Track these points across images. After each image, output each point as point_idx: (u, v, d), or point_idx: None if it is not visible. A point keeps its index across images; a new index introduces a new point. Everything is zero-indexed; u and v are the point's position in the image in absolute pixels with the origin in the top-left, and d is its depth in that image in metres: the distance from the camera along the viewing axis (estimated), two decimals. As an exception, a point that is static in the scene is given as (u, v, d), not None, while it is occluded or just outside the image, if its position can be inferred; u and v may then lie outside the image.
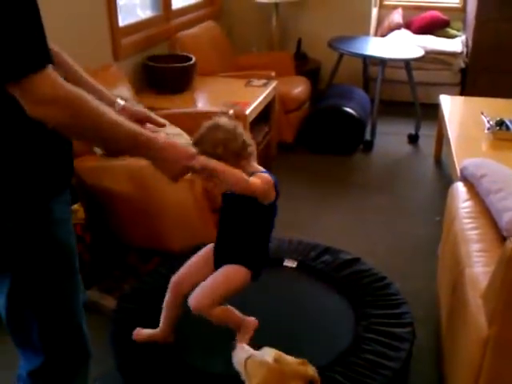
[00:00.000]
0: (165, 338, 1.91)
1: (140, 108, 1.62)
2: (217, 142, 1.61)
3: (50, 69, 1.09)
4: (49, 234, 1.30)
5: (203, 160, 1.46)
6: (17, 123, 1.17)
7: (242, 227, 1.76)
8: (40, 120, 1.11)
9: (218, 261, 1.80)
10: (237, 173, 1.54)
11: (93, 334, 1.54)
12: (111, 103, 1.46)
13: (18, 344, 1.43)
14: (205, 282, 1.74)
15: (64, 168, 1.32)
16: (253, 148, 1.70)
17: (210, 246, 1.87)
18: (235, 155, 1.63)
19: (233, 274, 1.75)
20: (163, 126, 1.58)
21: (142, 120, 1.51)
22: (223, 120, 1.68)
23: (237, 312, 1.80)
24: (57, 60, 1.28)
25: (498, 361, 1.51)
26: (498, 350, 1.50)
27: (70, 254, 1.39)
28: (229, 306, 1.79)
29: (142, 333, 1.93)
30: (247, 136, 1.69)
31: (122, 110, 1.48)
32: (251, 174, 1.64)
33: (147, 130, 1.37)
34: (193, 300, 1.74)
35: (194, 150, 1.47)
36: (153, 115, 1.58)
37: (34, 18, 1.06)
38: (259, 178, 1.64)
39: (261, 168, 1.73)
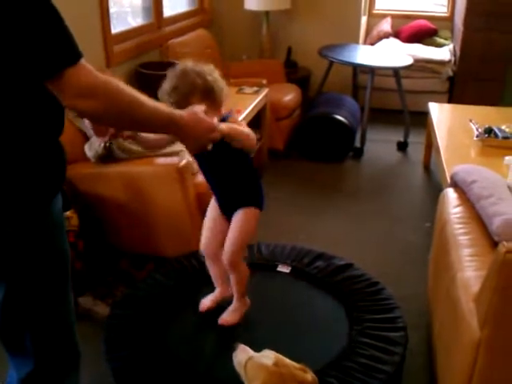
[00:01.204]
0: (224, 295, 2.02)
1: None
2: (192, 89, 1.68)
3: (83, 62, 1.12)
4: (47, 237, 1.31)
5: (223, 129, 1.55)
6: (17, 126, 1.17)
7: (232, 174, 1.83)
8: (84, 114, 1.16)
9: (227, 212, 1.89)
10: (245, 129, 1.65)
11: (85, 340, 1.54)
12: None
13: (10, 351, 1.43)
14: (230, 235, 1.84)
15: (60, 170, 1.33)
16: (227, 90, 1.75)
17: (213, 202, 1.94)
18: (212, 101, 1.68)
19: (246, 218, 1.84)
20: None
21: None
22: (189, 64, 1.73)
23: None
24: None
25: (489, 364, 1.54)
26: (490, 352, 1.53)
27: (66, 259, 1.40)
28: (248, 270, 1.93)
29: (206, 303, 2.03)
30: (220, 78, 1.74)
31: None
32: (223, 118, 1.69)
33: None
34: (226, 255, 1.85)
35: (215, 122, 1.52)
36: None
37: (59, 17, 1.11)
38: (237, 120, 1.73)
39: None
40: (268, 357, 1.48)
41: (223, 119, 1.68)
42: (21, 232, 1.25)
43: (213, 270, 2.02)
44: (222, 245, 1.90)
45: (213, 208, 1.95)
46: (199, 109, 1.48)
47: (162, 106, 1.36)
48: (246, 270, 1.93)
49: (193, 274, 2.30)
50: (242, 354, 1.52)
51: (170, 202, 2.53)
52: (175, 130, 1.40)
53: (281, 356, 1.50)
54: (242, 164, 1.82)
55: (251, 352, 1.53)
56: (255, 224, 1.87)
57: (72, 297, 1.47)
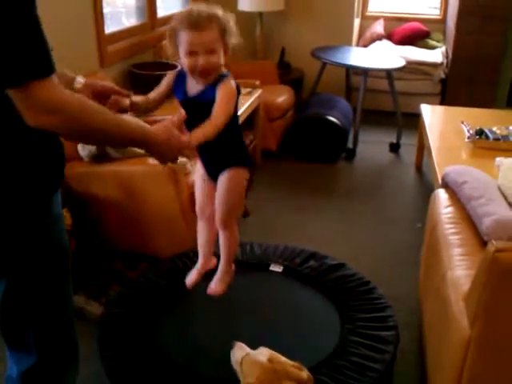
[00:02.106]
0: (208, 264, 1.96)
1: (103, 82, 1.64)
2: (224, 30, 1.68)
3: (53, 78, 1.09)
4: (47, 232, 1.32)
5: (194, 142, 1.48)
6: (16, 123, 1.15)
7: (218, 138, 1.71)
8: (41, 128, 1.11)
9: (215, 174, 1.80)
10: (215, 124, 1.54)
11: (80, 339, 1.55)
12: (71, 82, 1.48)
13: (11, 345, 1.44)
14: (219, 197, 1.77)
15: (61, 164, 1.34)
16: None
17: (200, 169, 1.87)
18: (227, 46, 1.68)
19: (234, 177, 1.76)
20: (128, 96, 1.60)
21: (107, 92, 1.55)
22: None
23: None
24: None
25: (479, 361, 1.56)
26: (480, 350, 1.55)
27: (66, 253, 1.42)
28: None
29: (191, 278, 1.97)
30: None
31: (85, 87, 1.50)
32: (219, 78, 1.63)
33: (146, 123, 1.40)
34: (217, 217, 1.79)
35: (186, 138, 1.47)
36: (117, 87, 1.61)
37: (37, 28, 1.07)
38: (225, 92, 1.62)
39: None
40: (263, 354, 1.49)
41: (219, 78, 1.63)
42: (22, 228, 1.26)
43: (202, 236, 1.93)
44: (211, 205, 1.84)
45: (200, 175, 1.87)
46: (173, 123, 1.45)
47: (134, 122, 1.33)
48: (237, 234, 1.86)
49: (186, 273, 2.31)
50: (239, 352, 1.53)
51: (163, 201, 2.54)
52: (146, 145, 1.37)
53: (276, 353, 1.51)
54: (229, 125, 1.70)
55: (248, 349, 1.54)
56: (244, 183, 1.80)
57: (72, 292, 1.48)
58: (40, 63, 1.07)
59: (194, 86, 1.63)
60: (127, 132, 1.30)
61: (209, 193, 1.84)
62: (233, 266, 1.95)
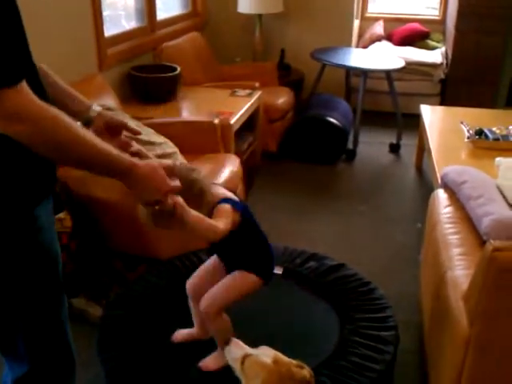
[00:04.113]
0: (202, 335, 1.94)
1: (116, 115, 1.59)
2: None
3: (23, 86, 1.06)
4: (34, 241, 1.29)
5: (178, 203, 1.39)
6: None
7: (231, 249, 1.75)
8: (9, 135, 1.07)
9: (229, 268, 1.80)
10: (205, 226, 1.50)
11: (80, 341, 1.55)
12: (87, 109, 1.45)
13: (4, 352, 1.43)
14: (217, 287, 1.75)
15: (47, 175, 1.30)
16: (207, 182, 1.61)
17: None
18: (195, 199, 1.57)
19: (241, 281, 1.75)
20: (138, 133, 1.56)
21: (117, 127, 1.49)
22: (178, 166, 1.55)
23: (231, 330, 1.81)
24: (46, 81, 1.29)
25: (479, 359, 1.56)
26: (479, 349, 1.55)
27: (55, 262, 1.38)
28: (228, 321, 1.81)
29: (180, 333, 1.97)
30: (202, 177, 1.60)
31: (99, 116, 1.46)
32: (213, 206, 1.60)
33: (127, 154, 1.31)
34: (204, 303, 1.76)
35: (173, 184, 1.38)
36: (129, 123, 1.55)
37: (11, 33, 1.04)
38: (221, 214, 1.58)
39: (221, 192, 1.66)
40: (267, 355, 1.48)
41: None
42: (5, 236, 1.23)
43: (193, 311, 1.93)
44: (206, 288, 1.80)
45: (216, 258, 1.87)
46: (162, 165, 1.34)
47: (115, 150, 1.23)
48: (224, 322, 1.79)
49: (186, 274, 2.30)
50: (237, 349, 1.53)
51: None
52: (127, 177, 1.26)
53: (279, 353, 1.50)
54: (241, 240, 1.71)
55: (246, 347, 1.53)
56: (250, 291, 1.77)
57: (65, 301, 1.45)
58: (8, 70, 1.04)
59: None
60: (107, 157, 1.21)
61: (209, 270, 1.84)
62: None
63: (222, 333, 1.80)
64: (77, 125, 1.17)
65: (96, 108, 1.49)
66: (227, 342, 1.67)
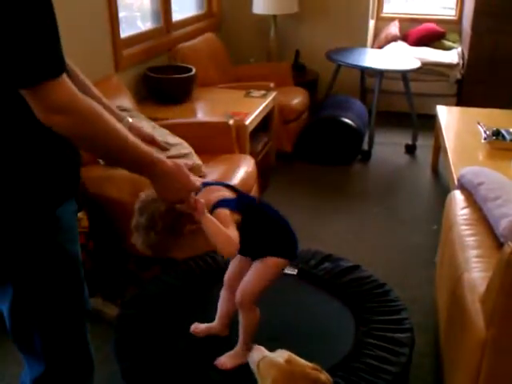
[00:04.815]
0: (221, 331, 1.96)
1: (146, 130, 1.64)
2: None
3: (64, 78, 1.09)
4: (55, 242, 1.31)
5: (200, 204, 1.44)
6: (26, 131, 1.18)
7: (246, 245, 1.70)
8: (52, 128, 1.11)
9: (253, 258, 1.81)
10: (222, 238, 1.50)
11: (97, 340, 1.56)
12: (120, 120, 1.47)
13: (22, 351, 1.44)
14: (247, 280, 1.78)
15: (71, 176, 1.32)
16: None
17: None
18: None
19: (266, 269, 1.77)
20: (166, 150, 1.61)
21: (144, 139, 1.52)
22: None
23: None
24: (70, 74, 1.31)
25: (495, 363, 1.54)
26: (496, 352, 1.54)
27: (76, 263, 1.39)
28: (259, 316, 1.83)
29: (200, 327, 1.99)
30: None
31: (129, 129, 1.47)
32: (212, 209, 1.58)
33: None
34: (238, 295, 1.79)
35: (198, 183, 1.45)
36: (157, 139, 1.61)
37: (51, 27, 1.07)
38: (224, 222, 1.54)
39: (213, 196, 1.62)
40: (280, 356, 1.48)
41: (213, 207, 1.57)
42: (26, 236, 1.25)
43: (223, 305, 1.95)
44: (241, 278, 1.84)
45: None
46: (186, 164, 1.41)
47: (144, 145, 1.29)
48: (256, 316, 1.81)
49: (201, 274, 2.32)
50: (257, 354, 1.53)
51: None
52: (153, 173, 1.31)
53: (294, 355, 1.50)
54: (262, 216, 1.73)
55: (266, 352, 1.54)
56: (275, 274, 1.80)
57: (84, 303, 1.45)
58: (50, 64, 1.06)
59: None
60: (138, 151, 1.26)
61: (243, 268, 1.84)
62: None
63: (251, 327, 1.82)
64: (112, 117, 1.20)
65: (129, 119, 1.54)
66: (249, 347, 1.69)
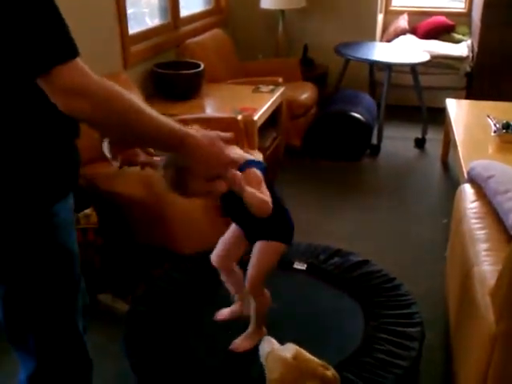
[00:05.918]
0: (241, 313, 2.01)
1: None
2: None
3: (77, 61, 1.06)
4: (51, 238, 1.29)
5: (238, 177, 1.35)
6: (25, 130, 1.17)
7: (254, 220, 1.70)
8: (73, 114, 1.08)
9: (250, 238, 1.85)
10: (259, 199, 1.48)
11: (108, 335, 1.56)
12: None
13: (16, 349, 1.43)
14: (251, 267, 1.81)
15: (69, 174, 1.31)
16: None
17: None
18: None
19: (270, 253, 1.81)
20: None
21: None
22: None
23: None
24: None
25: (506, 357, 1.53)
26: (506, 346, 1.53)
27: (71, 260, 1.37)
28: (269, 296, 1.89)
29: (223, 313, 2.05)
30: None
31: None
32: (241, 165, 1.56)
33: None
34: (248, 281, 1.82)
35: (233, 156, 1.34)
36: None
37: (56, 14, 1.06)
38: (255, 182, 1.53)
39: (239, 153, 1.61)
40: (288, 350, 1.49)
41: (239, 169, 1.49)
42: (21, 232, 1.24)
43: (229, 281, 1.99)
44: (233, 258, 1.93)
45: (233, 228, 1.91)
46: (219, 135, 1.30)
47: (171, 121, 1.21)
48: (266, 300, 1.88)
49: (210, 270, 2.32)
50: (267, 345, 1.54)
51: (186, 201, 2.55)
52: (185, 148, 1.22)
53: (302, 350, 1.50)
54: None
55: (275, 344, 1.54)
56: (277, 258, 1.83)
57: (80, 302, 1.43)
58: (62, 47, 1.05)
59: None
60: (164, 127, 1.18)
61: (230, 240, 1.89)
62: (263, 329, 1.94)
63: (263, 310, 1.88)
64: (133, 96, 1.15)
65: None
66: (260, 325, 1.81)
